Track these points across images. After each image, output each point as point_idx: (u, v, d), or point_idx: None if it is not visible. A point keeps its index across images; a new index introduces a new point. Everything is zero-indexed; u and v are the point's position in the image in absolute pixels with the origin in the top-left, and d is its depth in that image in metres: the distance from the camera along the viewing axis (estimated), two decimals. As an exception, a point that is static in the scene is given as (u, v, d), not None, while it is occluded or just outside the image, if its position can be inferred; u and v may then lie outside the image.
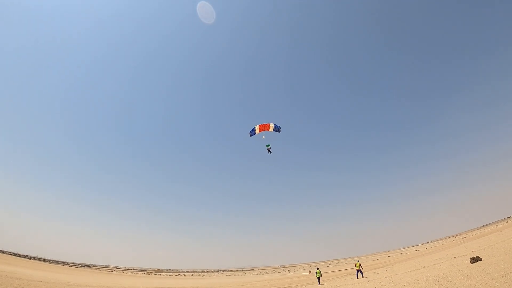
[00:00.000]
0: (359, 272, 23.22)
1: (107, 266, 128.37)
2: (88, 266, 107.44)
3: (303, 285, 27.96)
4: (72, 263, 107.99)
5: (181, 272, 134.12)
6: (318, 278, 24.90)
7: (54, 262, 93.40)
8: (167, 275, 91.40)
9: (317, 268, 28.70)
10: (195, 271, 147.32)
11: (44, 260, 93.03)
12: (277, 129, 33.04)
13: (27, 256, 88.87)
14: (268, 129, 32.66)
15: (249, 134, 33.39)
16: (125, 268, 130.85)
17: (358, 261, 25.43)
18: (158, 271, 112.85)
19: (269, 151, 31.54)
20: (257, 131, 32.73)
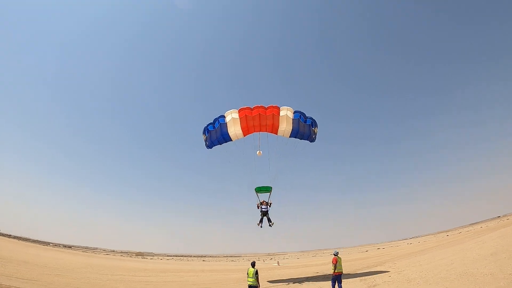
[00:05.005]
0: (336, 281, 13.23)
1: (96, 248, 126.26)
2: (69, 247, 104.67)
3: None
4: (52, 243, 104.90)
5: (167, 256, 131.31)
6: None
7: (34, 241, 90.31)
8: (147, 258, 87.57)
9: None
10: (183, 256, 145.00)
11: (23, 238, 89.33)
12: (303, 128, 18.56)
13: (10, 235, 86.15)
14: (273, 130, 18.44)
15: (205, 141, 20.11)
16: (112, 251, 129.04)
17: (337, 254, 13.91)
18: (139, 254, 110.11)
19: (268, 220, 19.07)
20: (233, 132, 18.28)
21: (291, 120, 17.99)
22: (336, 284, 13.34)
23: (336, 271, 13.39)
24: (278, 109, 18.07)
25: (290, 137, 18.71)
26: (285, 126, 18.11)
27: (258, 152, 18.45)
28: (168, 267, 41.80)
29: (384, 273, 17.50)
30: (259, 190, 19.29)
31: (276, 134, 18.62)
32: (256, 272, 12.49)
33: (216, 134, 18.66)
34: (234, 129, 18.04)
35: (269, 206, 19.06)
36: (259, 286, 12.53)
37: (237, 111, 17.98)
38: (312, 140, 19.64)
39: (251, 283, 12.39)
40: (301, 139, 19.19)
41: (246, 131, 18.28)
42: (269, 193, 19.24)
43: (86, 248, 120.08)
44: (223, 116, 18.42)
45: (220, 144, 19.22)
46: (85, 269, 25.43)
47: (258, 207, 19.13)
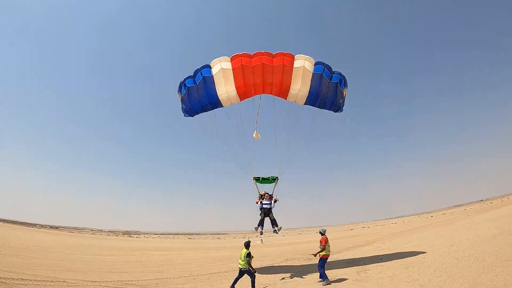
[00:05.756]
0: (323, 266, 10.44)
1: (83, 229, 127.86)
2: (56, 227, 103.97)
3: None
4: (39, 224, 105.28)
5: (155, 234, 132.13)
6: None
7: (20, 223, 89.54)
8: (133, 237, 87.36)
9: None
10: (170, 234, 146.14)
11: (10, 221, 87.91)
12: (326, 89, 12.96)
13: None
14: (281, 91, 13.14)
15: (181, 102, 14.06)
16: (99, 230, 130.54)
17: (325, 232, 11.04)
18: (126, 233, 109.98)
19: (272, 222, 13.66)
20: (223, 92, 12.98)
21: (310, 75, 12.67)
22: (323, 271, 10.52)
23: (324, 253, 10.73)
24: (291, 57, 12.68)
25: (305, 103, 13.44)
26: (300, 84, 12.77)
27: (254, 133, 13.79)
28: (146, 245, 41.06)
29: (374, 256, 15.65)
30: (260, 181, 14.57)
31: (286, 98, 13.38)
32: (248, 255, 10.16)
33: (197, 94, 13.10)
34: (225, 87, 12.82)
35: (274, 203, 13.91)
36: (253, 270, 10.22)
37: (228, 58, 12.66)
38: (337, 107, 13.84)
39: (241, 267, 10.15)
40: (321, 108, 13.69)
41: (242, 91, 13.00)
42: (274, 184, 14.29)
43: (74, 228, 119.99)
44: (208, 67, 12.93)
45: (205, 110, 13.70)
46: (54, 249, 24.23)
47: (257, 202, 14.09)
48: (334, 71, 13.16)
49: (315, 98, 13.18)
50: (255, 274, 10.36)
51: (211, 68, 12.91)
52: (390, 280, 9.24)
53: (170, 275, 14.02)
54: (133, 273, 14.46)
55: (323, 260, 10.58)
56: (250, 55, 12.60)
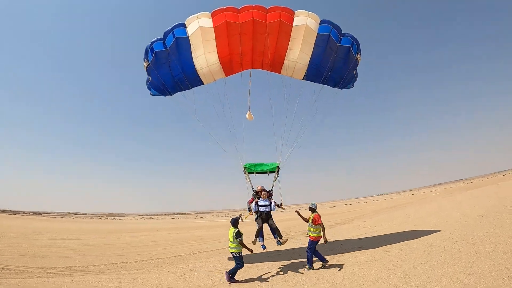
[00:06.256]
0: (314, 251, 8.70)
1: (67, 213, 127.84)
2: (40, 213, 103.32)
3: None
4: (23, 211, 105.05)
5: (139, 215, 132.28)
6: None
7: (4, 211, 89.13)
8: (116, 219, 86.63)
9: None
10: (154, 215, 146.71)
11: None
12: (333, 56, 10.13)
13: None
14: (274, 59, 10.54)
15: (147, 72, 10.69)
16: (84, 214, 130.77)
17: (315, 206, 9.09)
18: (110, 215, 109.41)
19: (273, 231, 9.74)
20: (202, 62, 10.16)
21: (314, 36, 9.85)
22: (311, 255, 8.71)
23: (316, 235, 8.69)
24: (291, 13, 9.88)
25: (304, 78, 10.71)
26: (299, 52, 10.03)
27: (247, 114, 11.16)
28: (125, 227, 40.44)
29: (353, 237, 14.35)
30: (254, 169, 10.88)
31: (279, 71, 10.76)
32: (238, 234, 8.14)
33: (168, 63, 10.14)
34: (205, 57, 9.98)
35: (274, 203, 10.01)
36: (250, 251, 8.34)
37: (209, 14, 9.76)
38: (347, 82, 11.11)
39: (232, 251, 8.24)
40: (324, 84, 10.96)
41: (227, 63, 10.28)
42: (274, 176, 10.78)
43: (58, 213, 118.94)
44: (183, 26, 9.92)
45: (181, 89, 10.86)
46: (18, 234, 23.10)
47: (251, 203, 10.23)
48: (344, 33, 10.27)
49: (317, 70, 10.48)
50: (242, 264, 8.32)
51: (186, 27, 9.88)
52: (369, 267, 7.85)
53: (128, 259, 13.02)
54: (90, 257, 13.45)
55: (314, 242, 8.69)
56: (237, 9, 9.73)
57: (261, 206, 9.82)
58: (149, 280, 8.87)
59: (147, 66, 10.32)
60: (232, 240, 8.18)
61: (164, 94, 11.15)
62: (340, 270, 8.04)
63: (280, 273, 8.84)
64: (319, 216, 8.78)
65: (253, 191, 10.47)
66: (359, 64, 10.84)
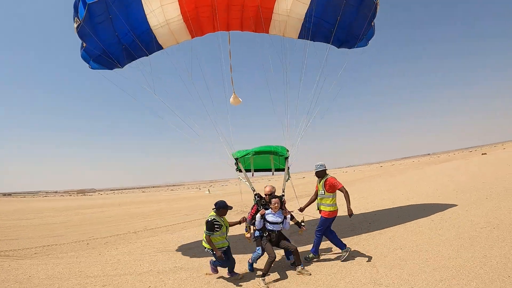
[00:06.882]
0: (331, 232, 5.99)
1: (38, 192, 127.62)
2: (9, 194, 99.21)
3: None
4: None
5: (110, 190, 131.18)
6: None
7: None
8: (87, 195, 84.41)
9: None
10: (126, 189, 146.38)
11: None
12: (339, 3, 6.89)
13: None
14: (261, 15, 7.21)
15: (78, 34, 6.73)
16: (55, 192, 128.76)
17: (323, 166, 6.14)
18: (81, 191, 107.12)
19: (291, 256, 5.64)
20: (160, 18, 6.99)
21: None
22: (320, 239, 6.09)
23: (333, 208, 6.01)
24: None
25: (299, 37, 7.81)
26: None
27: (232, 98, 8.01)
28: (87, 203, 39.06)
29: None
30: (251, 162, 8.08)
31: (267, 31, 7.85)
32: (210, 226, 5.34)
33: (109, 21, 6.80)
34: (162, 9, 6.91)
35: (289, 216, 5.99)
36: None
37: None
38: (362, 37, 7.72)
39: (205, 246, 5.48)
40: (327, 42, 7.75)
41: (194, 18, 7.26)
42: (284, 173, 7.27)
43: (28, 193, 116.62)
44: None
45: (134, 58, 7.69)
46: None
47: (252, 217, 6.08)
48: None
49: (318, 24, 7.44)
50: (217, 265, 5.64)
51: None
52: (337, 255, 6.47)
53: (66, 239, 11.54)
54: (23, 239, 12.00)
55: (328, 220, 5.96)
56: None
57: (271, 225, 5.73)
58: (72, 266, 7.26)
59: (79, 26, 6.73)
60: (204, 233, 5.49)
61: (110, 67, 7.85)
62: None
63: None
64: (336, 179, 5.97)
65: (256, 195, 6.46)
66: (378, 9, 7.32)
